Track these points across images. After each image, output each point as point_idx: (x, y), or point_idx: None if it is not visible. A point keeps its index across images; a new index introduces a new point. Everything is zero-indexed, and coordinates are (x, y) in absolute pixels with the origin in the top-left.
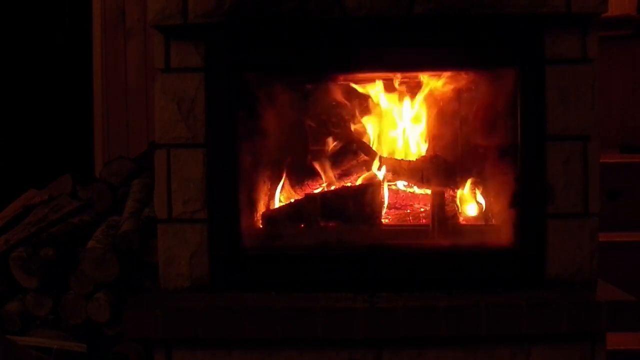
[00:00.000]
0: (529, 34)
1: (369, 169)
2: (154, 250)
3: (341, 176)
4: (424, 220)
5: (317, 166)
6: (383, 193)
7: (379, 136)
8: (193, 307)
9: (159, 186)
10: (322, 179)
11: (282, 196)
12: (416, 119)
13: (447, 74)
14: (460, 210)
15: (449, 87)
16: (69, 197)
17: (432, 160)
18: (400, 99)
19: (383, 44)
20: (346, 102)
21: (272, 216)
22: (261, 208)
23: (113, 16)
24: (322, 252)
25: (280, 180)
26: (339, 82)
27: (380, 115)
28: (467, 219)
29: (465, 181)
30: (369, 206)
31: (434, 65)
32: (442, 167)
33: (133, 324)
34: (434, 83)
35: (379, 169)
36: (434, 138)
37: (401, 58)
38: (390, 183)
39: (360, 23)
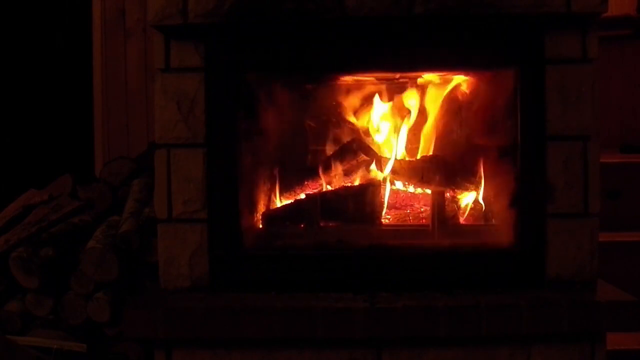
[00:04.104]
0: (529, 34)
1: (369, 169)
2: (154, 250)
3: (341, 176)
4: (424, 220)
5: (317, 166)
6: (383, 193)
7: (378, 136)
8: (193, 307)
9: (159, 186)
10: (322, 179)
11: (282, 196)
12: (416, 119)
13: (447, 73)
14: (460, 210)
15: (449, 87)
16: (69, 197)
17: (432, 160)
18: (400, 99)
19: (383, 44)
20: (346, 102)
21: (272, 216)
22: (261, 208)
23: (113, 16)
24: (322, 252)
25: (280, 181)
26: (339, 82)
27: (380, 115)
28: (467, 219)
29: (466, 181)
30: (369, 206)
31: (434, 65)
32: (442, 167)
33: (133, 324)
34: (434, 83)
35: (379, 169)
36: (434, 138)
37: (401, 58)
38: (390, 183)
39: (360, 23)
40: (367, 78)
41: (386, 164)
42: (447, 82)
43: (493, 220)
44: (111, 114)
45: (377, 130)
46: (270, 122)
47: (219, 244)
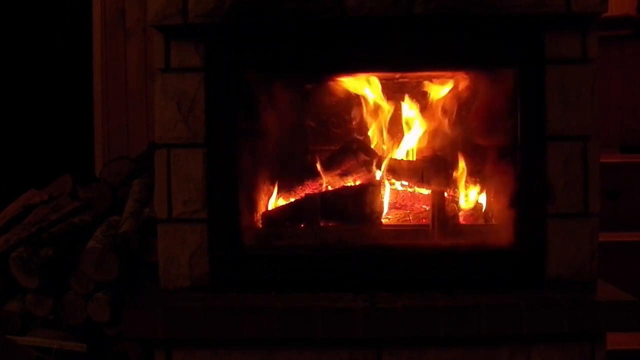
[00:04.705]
0: (529, 34)
1: (369, 169)
2: (154, 250)
3: (341, 176)
4: (424, 220)
5: (317, 166)
6: (383, 193)
7: (379, 136)
8: (193, 307)
9: (159, 186)
10: (322, 179)
11: (282, 196)
12: (416, 119)
13: (447, 73)
14: (460, 210)
15: (449, 87)
16: (69, 197)
17: (432, 160)
18: (400, 99)
19: (383, 44)
20: (346, 102)
21: (272, 216)
22: (261, 208)
23: (113, 16)
24: (322, 252)
25: (280, 181)
26: (339, 82)
27: (380, 115)
28: (467, 219)
29: (465, 181)
30: (369, 206)
31: (434, 65)
32: (442, 167)
33: (133, 324)
34: (434, 83)
35: (379, 168)
36: (434, 138)
37: (401, 58)
38: (390, 183)
39: (360, 23)
40: (367, 78)
41: (386, 164)
42: (447, 82)
43: (493, 220)
44: (111, 114)
45: (376, 130)
46: (270, 122)
47: (219, 244)
